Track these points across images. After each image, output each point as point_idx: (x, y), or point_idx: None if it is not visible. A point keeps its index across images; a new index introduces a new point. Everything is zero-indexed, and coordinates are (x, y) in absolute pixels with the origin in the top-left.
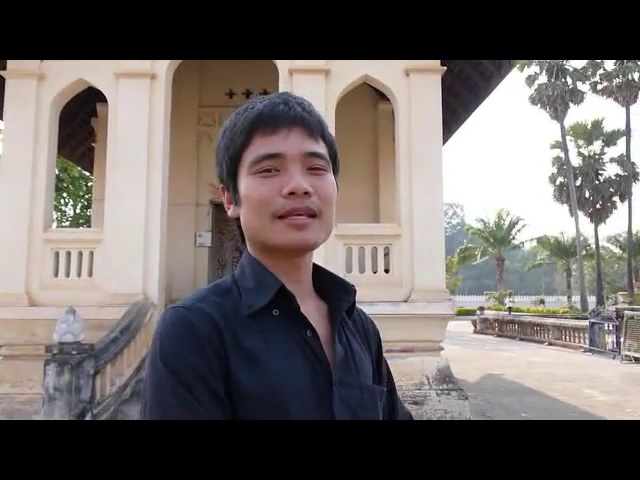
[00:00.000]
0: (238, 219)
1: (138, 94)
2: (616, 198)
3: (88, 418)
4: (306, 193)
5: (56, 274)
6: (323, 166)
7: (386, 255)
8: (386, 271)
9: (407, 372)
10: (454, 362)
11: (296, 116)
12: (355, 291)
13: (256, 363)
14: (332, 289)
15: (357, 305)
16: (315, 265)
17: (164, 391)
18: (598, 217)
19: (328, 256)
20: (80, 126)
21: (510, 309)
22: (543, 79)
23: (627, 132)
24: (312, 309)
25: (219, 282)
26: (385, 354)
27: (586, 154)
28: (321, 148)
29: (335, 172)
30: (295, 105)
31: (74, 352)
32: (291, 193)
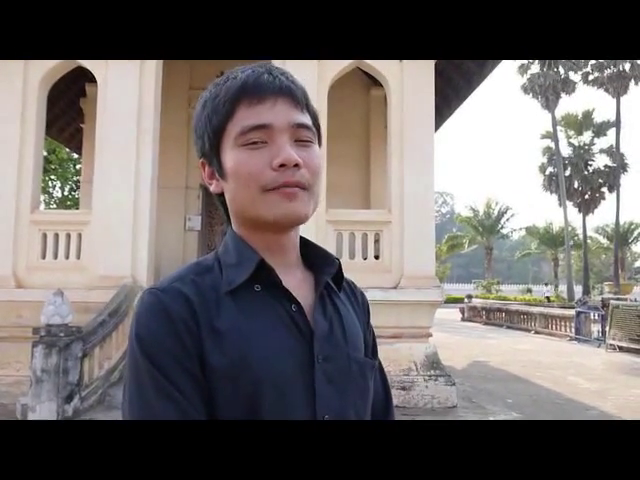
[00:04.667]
0: (221, 195)
1: (128, 75)
2: (605, 189)
3: (76, 401)
4: (296, 165)
5: (43, 256)
6: (310, 138)
7: (376, 241)
8: (376, 257)
9: (395, 358)
10: (442, 349)
11: (282, 86)
12: (339, 263)
13: (225, 339)
14: (317, 261)
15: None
16: (301, 237)
17: (142, 377)
18: (586, 207)
19: (318, 241)
20: (68, 106)
21: (548, 298)
22: (536, 68)
23: (617, 123)
24: (298, 281)
25: (201, 260)
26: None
27: (576, 144)
28: (307, 119)
29: (319, 143)
30: (279, 75)
31: (62, 334)
32: (281, 165)
